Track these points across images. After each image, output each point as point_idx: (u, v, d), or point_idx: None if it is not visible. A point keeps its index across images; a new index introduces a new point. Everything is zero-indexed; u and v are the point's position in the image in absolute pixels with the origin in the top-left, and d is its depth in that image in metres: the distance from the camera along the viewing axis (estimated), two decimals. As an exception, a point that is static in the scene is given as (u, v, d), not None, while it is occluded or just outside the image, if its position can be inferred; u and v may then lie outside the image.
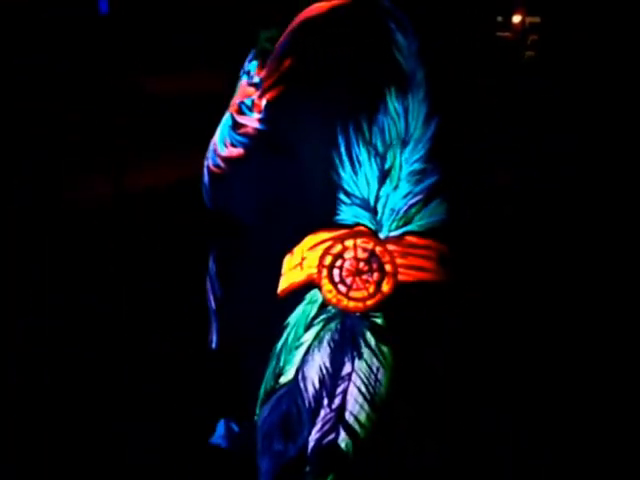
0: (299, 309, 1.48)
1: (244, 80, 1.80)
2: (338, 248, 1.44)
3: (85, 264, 2.29)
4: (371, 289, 1.42)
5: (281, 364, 1.50)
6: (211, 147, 1.68)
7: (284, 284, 1.50)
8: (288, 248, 1.51)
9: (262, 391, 1.52)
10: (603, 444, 2.00)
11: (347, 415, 1.39)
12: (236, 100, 1.71)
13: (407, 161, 1.47)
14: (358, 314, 1.42)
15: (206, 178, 1.66)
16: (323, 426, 1.40)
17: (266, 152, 1.53)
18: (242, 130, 1.56)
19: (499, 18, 2.00)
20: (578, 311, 1.61)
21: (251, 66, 1.80)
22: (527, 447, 1.63)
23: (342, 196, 1.46)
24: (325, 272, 1.44)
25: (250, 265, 1.69)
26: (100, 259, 2.20)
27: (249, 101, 1.60)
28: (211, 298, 1.76)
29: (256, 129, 1.53)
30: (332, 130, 1.45)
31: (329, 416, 1.41)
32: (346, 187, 1.45)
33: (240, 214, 1.64)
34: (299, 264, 1.48)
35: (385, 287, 1.42)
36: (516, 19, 2.05)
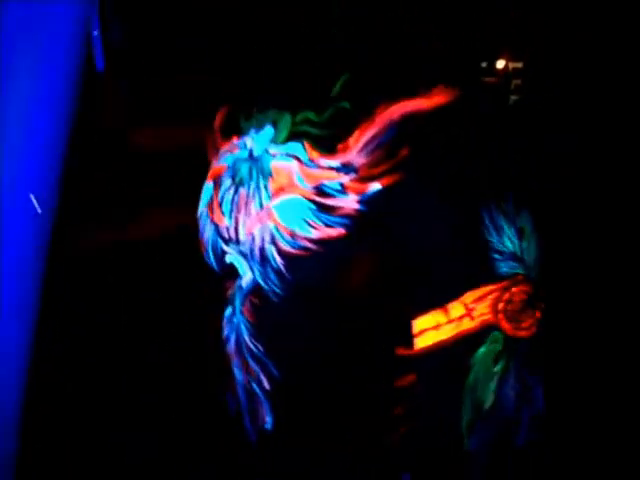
0: (483, 349, 1.79)
1: (283, 161, 1.91)
2: (506, 295, 1.80)
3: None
4: (532, 319, 1.83)
5: (478, 396, 1.80)
6: (274, 233, 1.84)
7: (447, 334, 1.71)
8: (421, 309, 1.69)
9: (464, 425, 1.78)
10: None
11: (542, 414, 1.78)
12: (290, 182, 1.85)
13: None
14: (528, 338, 1.81)
15: (280, 262, 1.82)
16: (529, 430, 1.77)
17: (372, 228, 1.69)
18: (338, 211, 1.73)
19: (483, 64, 2.01)
20: (578, 311, 1.59)
21: (288, 147, 1.91)
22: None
23: (495, 255, 1.80)
24: (501, 315, 1.79)
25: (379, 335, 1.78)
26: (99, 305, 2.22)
27: (336, 184, 1.75)
28: (263, 379, 1.86)
29: (357, 210, 1.71)
30: (471, 208, 1.72)
31: (532, 420, 1.77)
32: (497, 247, 1.78)
33: (340, 288, 1.77)
34: (467, 315, 1.73)
35: (537, 314, 1.84)
36: (500, 65, 2.04)
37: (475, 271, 1.68)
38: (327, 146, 1.76)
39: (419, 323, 1.57)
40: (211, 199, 2.15)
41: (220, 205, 2.09)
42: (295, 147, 1.83)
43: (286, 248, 1.80)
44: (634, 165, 1.75)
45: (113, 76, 2.25)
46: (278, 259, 1.83)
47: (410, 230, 1.65)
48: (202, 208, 2.23)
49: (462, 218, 1.62)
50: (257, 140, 1.97)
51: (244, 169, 2.00)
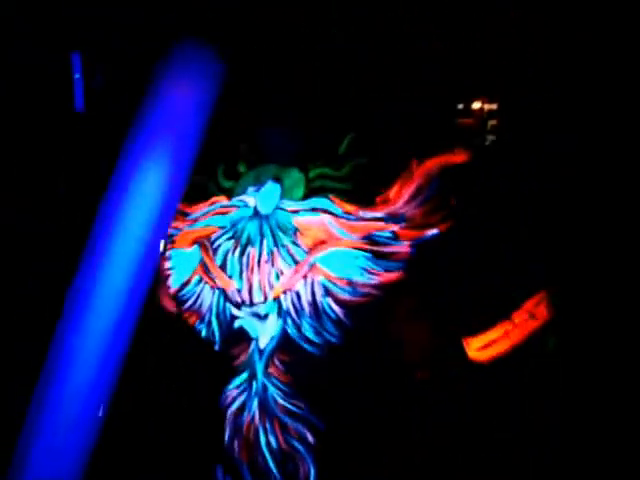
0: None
1: (309, 217, 1.90)
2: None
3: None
4: None
5: None
6: (328, 285, 1.84)
7: (517, 337, 1.75)
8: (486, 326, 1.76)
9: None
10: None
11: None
12: (330, 236, 1.86)
13: None
14: None
15: (340, 311, 1.82)
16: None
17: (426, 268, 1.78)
18: (395, 257, 1.79)
19: (459, 105, 2.21)
20: (579, 312, 1.83)
21: (312, 203, 1.91)
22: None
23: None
24: None
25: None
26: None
27: (387, 233, 1.81)
28: (307, 435, 1.85)
29: (410, 253, 1.78)
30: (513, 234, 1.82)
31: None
32: None
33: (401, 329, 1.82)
34: (530, 317, 1.77)
35: None
36: (476, 106, 2.24)
37: (529, 283, 1.83)
38: (360, 199, 1.85)
39: (488, 336, 1.74)
40: (203, 265, 2.03)
41: (222, 269, 2.00)
42: (321, 202, 1.87)
43: (345, 297, 1.83)
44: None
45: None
46: (337, 309, 1.84)
47: (463, 264, 1.82)
48: (183, 277, 2.09)
49: (509, 246, 1.82)
50: (262, 198, 1.96)
51: (251, 228, 1.96)
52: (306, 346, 1.89)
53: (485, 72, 2.09)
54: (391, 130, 1.94)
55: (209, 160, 2.11)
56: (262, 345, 1.96)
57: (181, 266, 2.09)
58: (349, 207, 1.86)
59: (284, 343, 1.93)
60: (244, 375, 1.99)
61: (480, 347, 1.78)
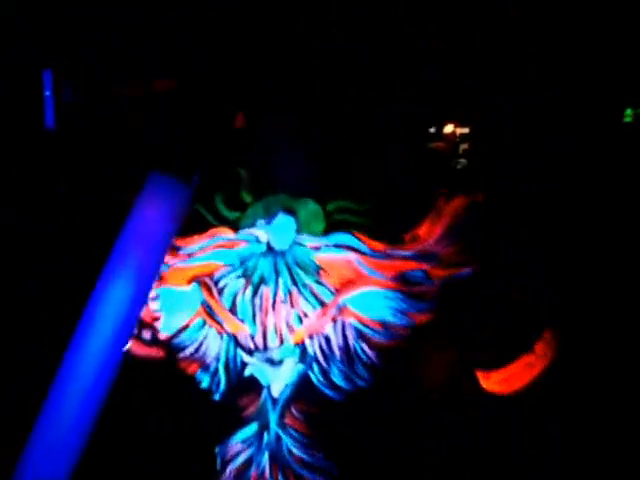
0: None
1: (333, 254, 1.75)
2: None
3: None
4: None
5: None
6: (360, 328, 1.72)
7: (540, 366, 1.72)
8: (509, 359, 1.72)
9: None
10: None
11: None
12: (358, 275, 1.73)
13: None
14: None
15: (373, 355, 1.72)
16: None
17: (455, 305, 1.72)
18: (426, 296, 1.70)
19: (431, 129, 2.17)
20: (579, 312, 1.90)
21: (336, 239, 1.75)
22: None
23: None
24: None
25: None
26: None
27: (418, 272, 1.72)
28: None
29: (441, 292, 1.71)
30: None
31: None
32: None
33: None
34: (551, 346, 1.74)
35: None
36: (447, 130, 2.22)
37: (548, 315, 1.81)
38: (386, 236, 1.75)
39: (511, 367, 1.72)
40: (206, 307, 1.81)
41: (232, 311, 1.79)
42: (345, 238, 1.73)
43: (379, 340, 1.71)
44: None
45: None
46: (370, 353, 1.72)
47: (489, 300, 1.77)
48: (180, 321, 1.85)
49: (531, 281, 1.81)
50: (275, 232, 1.78)
51: (264, 265, 1.78)
52: (329, 392, 1.75)
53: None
54: (414, 165, 1.85)
55: (203, 187, 1.90)
56: (275, 393, 1.78)
57: (175, 308, 1.85)
58: (377, 244, 1.73)
59: (303, 390, 1.77)
60: (253, 427, 1.80)
61: (502, 379, 1.75)
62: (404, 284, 1.71)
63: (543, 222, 1.86)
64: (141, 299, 1.70)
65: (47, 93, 2.29)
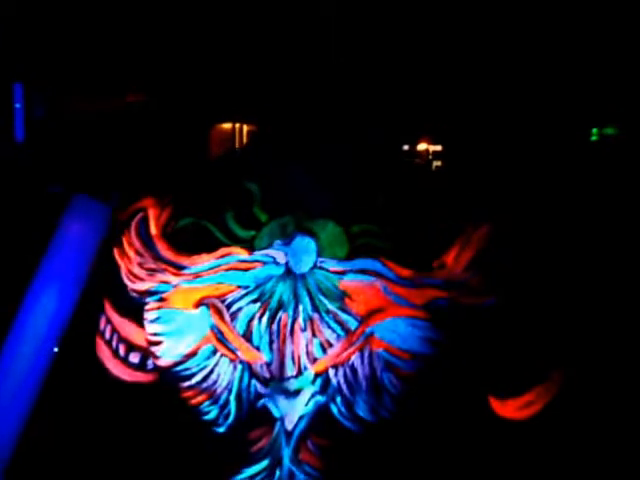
0: None
1: (358, 280, 1.64)
2: None
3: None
4: None
5: None
6: (388, 358, 1.63)
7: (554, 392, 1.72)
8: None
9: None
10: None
11: None
12: (386, 302, 1.64)
13: None
14: None
15: (401, 387, 1.63)
16: None
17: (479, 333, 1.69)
18: (454, 326, 1.65)
19: (405, 147, 2.14)
20: (580, 312, 1.94)
21: (360, 263, 1.65)
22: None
23: None
24: None
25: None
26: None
27: (445, 301, 1.65)
28: None
29: (469, 321, 1.67)
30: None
31: None
32: None
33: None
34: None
35: None
36: (421, 147, 2.20)
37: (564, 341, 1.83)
38: (414, 263, 1.69)
39: (527, 396, 1.72)
40: (216, 333, 1.68)
41: (246, 338, 1.66)
42: (371, 263, 1.66)
43: (407, 372, 1.64)
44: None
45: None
46: (397, 383, 1.64)
47: (509, 329, 1.75)
48: (186, 347, 1.70)
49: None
50: (295, 254, 1.67)
51: (283, 290, 1.67)
52: (350, 425, 1.66)
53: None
54: (440, 189, 1.80)
55: (210, 202, 1.76)
56: (289, 426, 1.67)
57: (180, 332, 1.70)
58: (403, 271, 1.66)
59: (320, 423, 1.67)
60: (264, 463, 1.68)
61: (519, 407, 1.74)
62: (433, 313, 1.65)
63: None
64: (67, 304, 1.98)
65: (17, 106, 2.51)
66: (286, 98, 1.77)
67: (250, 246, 1.68)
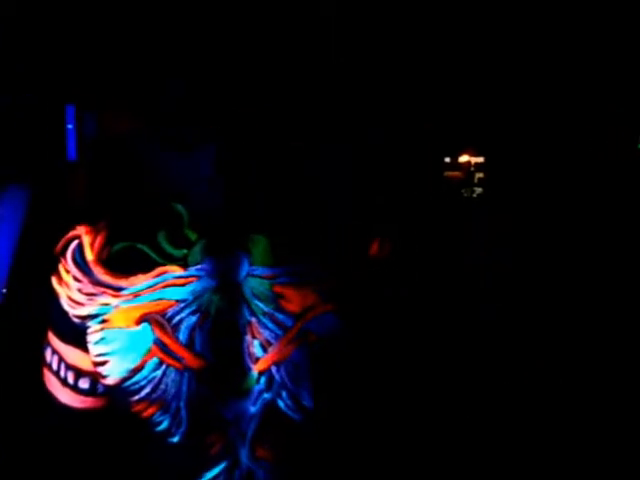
0: None
1: (287, 282, 1.76)
2: None
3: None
4: None
5: None
6: (326, 353, 1.73)
7: None
8: None
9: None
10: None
11: None
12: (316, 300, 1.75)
13: None
14: None
15: (339, 372, 1.72)
16: None
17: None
18: None
19: (447, 159, 2.22)
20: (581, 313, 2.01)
21: (297, 267, 1.75)
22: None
23: None
24: None
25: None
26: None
27: None
28: None
29: None
30: None
31: None
32: None
33: None
34: None
35: None
36: (463, 159, 2.29)
37: None
38: (335, 262, 1.82)
39: None
40: (159, 345, 1.75)
41: (189, 347, 1.75)
42: (299, 267, 1.77)
43: (338, 358, 1.76)
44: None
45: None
46: (334, 371, 1.75)
47: None
48: (131, 363, 1.77)
49: None
50: (228, 267, 1.77)
51: (220, 298, 1.76)
52: (298, 416, 1.75)
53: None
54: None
55: (140, 224, 1.84)
56: (243, 427, 1.76)
57: (123, 350, 1.77)
58: (331, 268, 1.78)
59: (271, 419, 1.76)
60: (222, 465, 1.75)
61: None
62: (351, 304, 1.77)
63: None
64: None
65: (69, 126, 2.50)
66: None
67: (184, 263, 1.77)
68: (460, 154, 2.40)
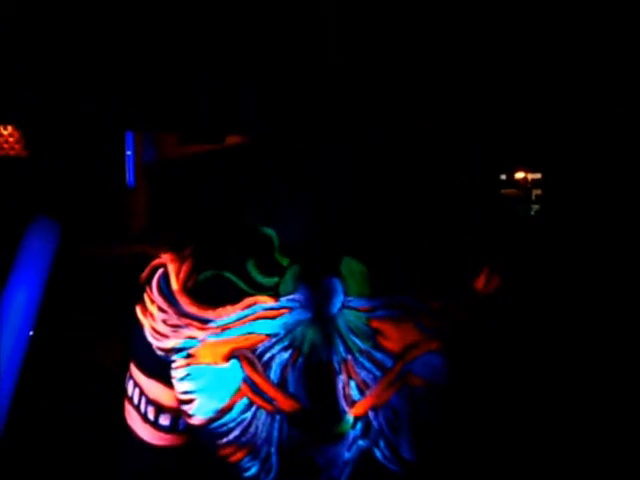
0: None
1: (388, 315, 1.61)
2: None
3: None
4: None
5: None
6: (430, 399, 1.58)
7: None
8: None
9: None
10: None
11: None
12: (420, 337, 1.61)
13: None
14: None
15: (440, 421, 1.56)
16: None
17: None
18: None
19: (503, 176, 2.10)
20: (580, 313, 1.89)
21: (396, 298, 1.61)
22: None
23: None
24: None
25: None
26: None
27: None
28: None
29: None
30: None
31: None
32: None
33: None
34: None
35: None
36: (519, 176, 2.19)
37: None
38: (440, 293, 1.66)
39: None
40: (249, 384, 1.63)
41: (281, 387, 1.62)
42: (398, 298, 1.62)
43: (444, 405, 1.60)
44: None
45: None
46: (438, 420, 1.60)
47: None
48: (219, 403, 1.65)
49: None
50: (321, 296, 1.64)
51: (313, 333, 1.63)
52: (396, 468, 1.60)
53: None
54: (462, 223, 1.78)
55: (228, 251, 1.73)
56: (335, 473, 1.62)
57: (211, 388, 1.65)
58: (435, 303, 1.63)
59: (366, 468, 1.61)
60: None
61: None
62: (460, 341, 1.62)
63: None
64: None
65: (128, 153, 3.12)
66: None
67: (275, 293, 1.65)
68: (516, 170, 2.26)
